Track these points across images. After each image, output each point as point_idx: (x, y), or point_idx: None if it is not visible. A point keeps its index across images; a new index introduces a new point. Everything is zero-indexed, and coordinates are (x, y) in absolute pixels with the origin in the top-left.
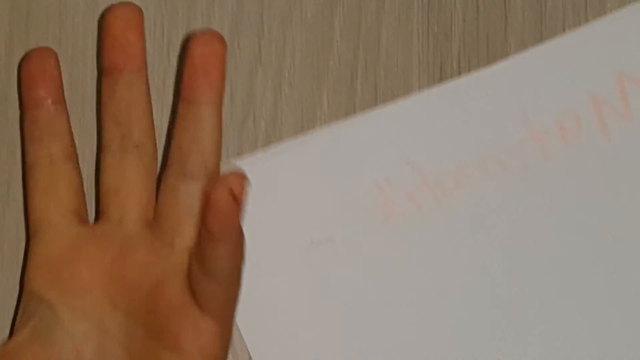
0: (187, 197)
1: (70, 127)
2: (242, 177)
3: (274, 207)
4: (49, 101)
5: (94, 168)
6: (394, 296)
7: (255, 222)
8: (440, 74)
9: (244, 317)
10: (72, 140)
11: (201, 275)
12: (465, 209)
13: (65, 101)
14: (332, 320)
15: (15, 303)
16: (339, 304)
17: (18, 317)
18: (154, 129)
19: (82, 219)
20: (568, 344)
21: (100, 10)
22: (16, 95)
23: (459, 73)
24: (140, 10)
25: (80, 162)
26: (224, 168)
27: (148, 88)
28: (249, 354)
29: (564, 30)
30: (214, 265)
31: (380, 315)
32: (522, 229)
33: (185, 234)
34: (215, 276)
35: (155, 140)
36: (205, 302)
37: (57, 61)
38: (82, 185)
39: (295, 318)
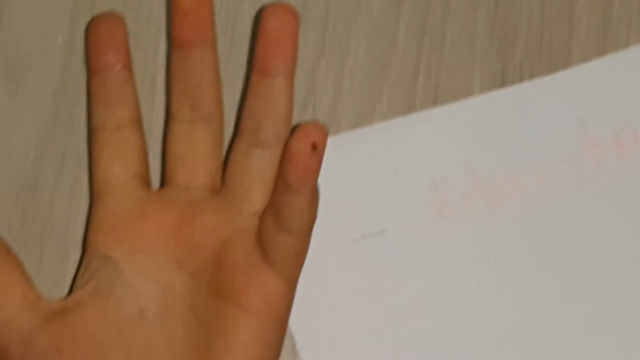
0: (259, 163)
1: (136, 92)
2: (322, 128)
3: (327, 197)
4: (118, 66)
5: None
6: (439, 293)
7: None
8: (501, 79)
9: None
10: (138, 105)
11: (274, 229)
12: (517, 214)
13: (132, 67)
14: (377, 312)
15: (66, 268)
16: (386, 296)
17: (78, 276)
18: (222, 101)
19: (147, 184)
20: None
21: None
22: (76, 65)
23: (521, 79)
24: None
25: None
26: None
27: (217, 61)
28: (293, 341)
29: (627, 44)
30: (289, 217)
31: (424, 310)
32: (573, 239)
33: (255, 200)
34: (289, 229)
35: (223, 112)
36: (276, 257)
37: (125, 27)
38: (146, 151)
39: (341, 308)
